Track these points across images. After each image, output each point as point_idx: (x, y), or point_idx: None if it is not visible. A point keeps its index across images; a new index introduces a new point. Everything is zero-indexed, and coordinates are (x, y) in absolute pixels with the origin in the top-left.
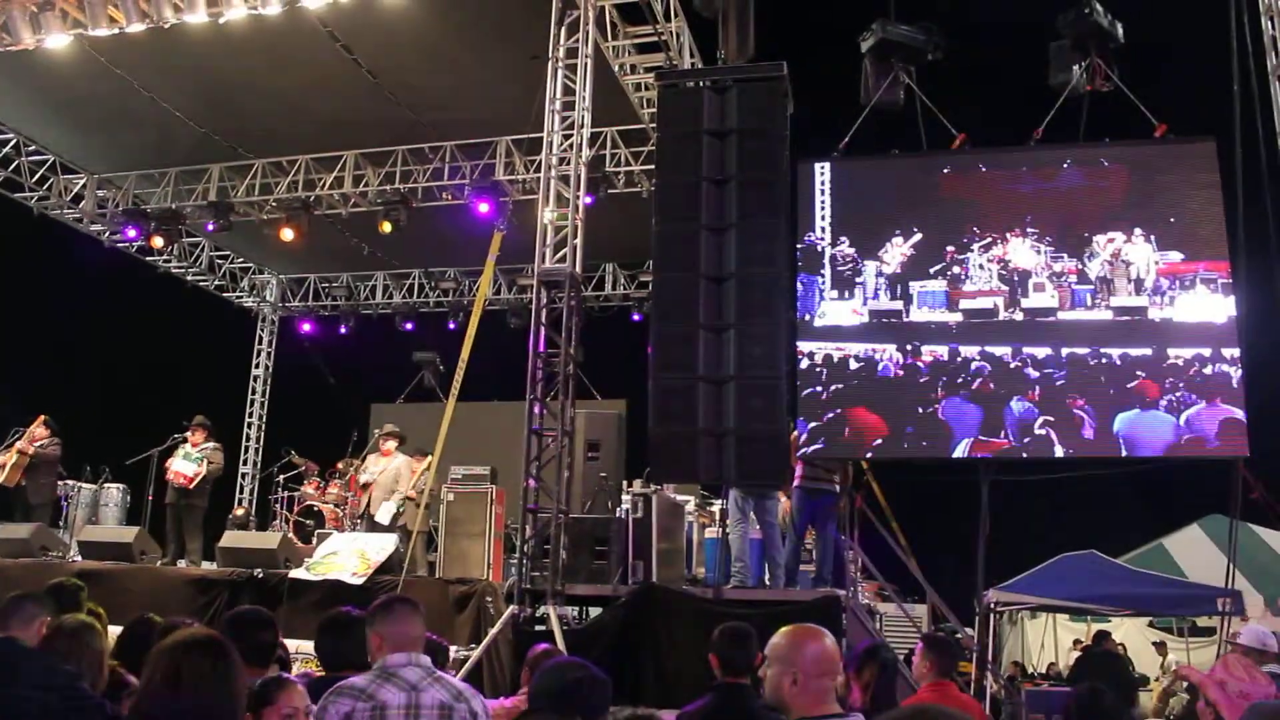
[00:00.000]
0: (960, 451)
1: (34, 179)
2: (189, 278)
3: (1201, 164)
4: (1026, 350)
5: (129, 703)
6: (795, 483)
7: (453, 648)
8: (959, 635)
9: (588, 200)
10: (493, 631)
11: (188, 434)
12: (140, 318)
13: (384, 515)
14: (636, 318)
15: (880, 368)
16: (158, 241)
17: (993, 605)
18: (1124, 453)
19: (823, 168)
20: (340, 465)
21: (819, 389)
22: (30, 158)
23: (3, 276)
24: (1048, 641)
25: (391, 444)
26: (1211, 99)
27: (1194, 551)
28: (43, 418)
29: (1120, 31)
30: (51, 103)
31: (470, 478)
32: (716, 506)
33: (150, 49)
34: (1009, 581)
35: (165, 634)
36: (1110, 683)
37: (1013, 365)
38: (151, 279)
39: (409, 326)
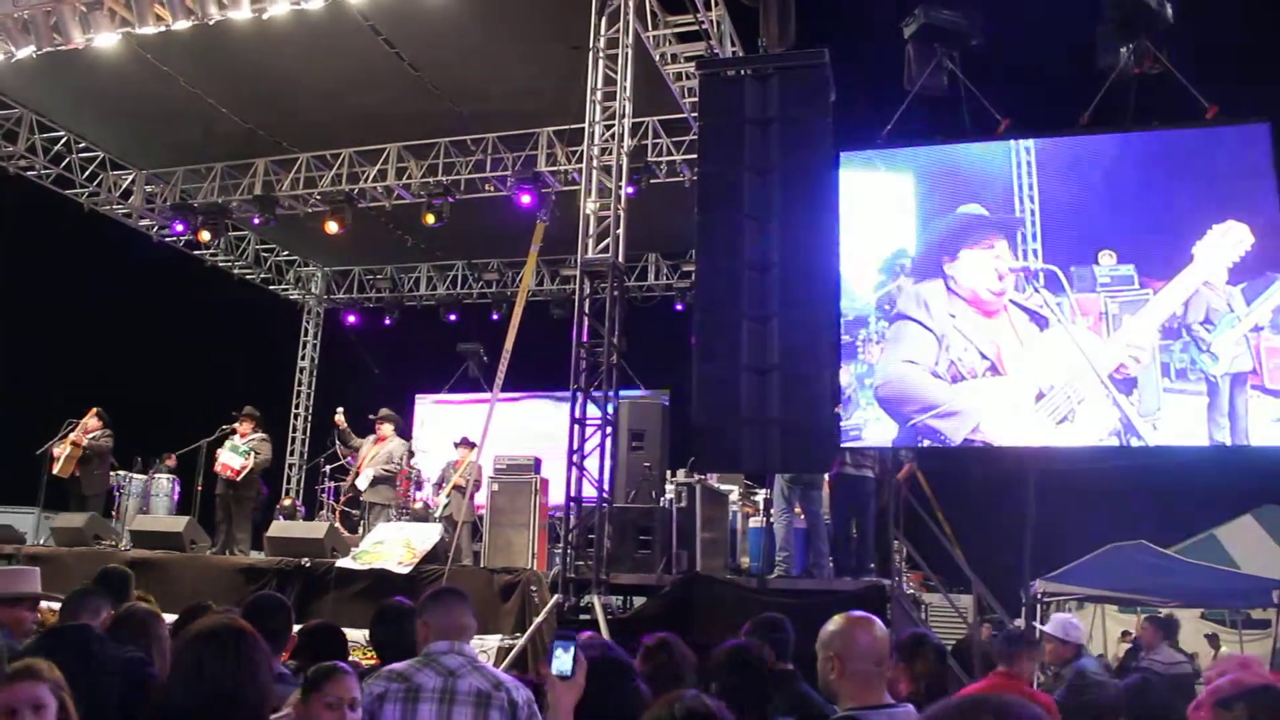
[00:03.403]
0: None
1: (84, 175)
2: (236, 271)
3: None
4: None
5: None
6: (835, 470)
7: (497, 636)
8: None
9: (629, 190)
10: (537, 620)
11: (236, 425)
12: (188, 311)
13: (363, 481)
14: (679, 307)
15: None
16: (205, 235)
17: (1040, 596)
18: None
19: None
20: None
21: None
22: (80, 155)
23: (55, 272)
24: (1096, 633)
25: (387, 428)
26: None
27: (1247, 542)
28: (95, 410)
29: (1170, 12)
30: (100, 101)
31: (515, 467)
32: (760, 496)
33: (195, 46)
34: (1057, 572)
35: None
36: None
37: None
38: (199, 272)
39: (453, 318)
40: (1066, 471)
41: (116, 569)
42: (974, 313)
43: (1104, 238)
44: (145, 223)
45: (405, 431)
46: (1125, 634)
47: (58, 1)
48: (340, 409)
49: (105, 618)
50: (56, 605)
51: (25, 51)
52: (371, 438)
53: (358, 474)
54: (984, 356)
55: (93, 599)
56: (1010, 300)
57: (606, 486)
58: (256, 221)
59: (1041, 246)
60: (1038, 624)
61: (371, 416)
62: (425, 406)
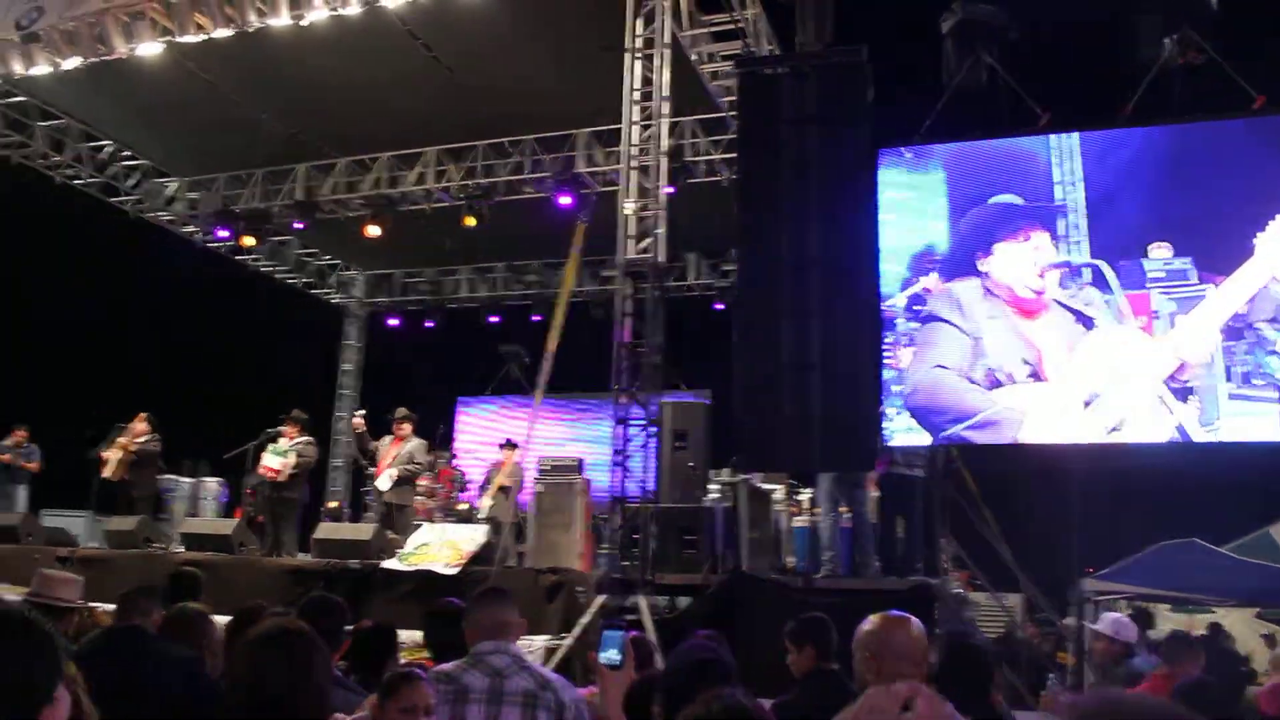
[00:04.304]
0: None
1: (129, 183)
2: (278, 276)
3: None
4: None
5: None
6: (884, 469)
7: (543, 637)
8: (1056, 625)
9: (669, 190)
10: (583, 620)
11: (281, 429)
12: (233, 315)
13: (384, 482)
14: (719, 306)
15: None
16: (248, 241)
17: (1089, 595)
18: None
19: None
20: (430, 457)
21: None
22: (124, 163)
23: (102, 279)
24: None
25: (407, 428)
26: None
27: None
28: (143, 415)
29: (1213, 1)
30: (143, 110)
31: (559, 468)
32: (805, 495)
33: (235, 53)
34: (1106, 570)
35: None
36: (1216, 676)
37: None
38: (243, 278)
39: (494, 320)
40: (1114, 469)
41: (188, 571)
42: (1013, 313)
43: (1155, 229)
44: (189, 229)
45: (448, 434)
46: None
47: (102, 12)
48: (361, 411)
49: (157, 618)
50: (105, 606)
51: (71, 62)
52: (389, 438)
53: (377, 475)
54: (1024, 361)
55: (145, 600)
56: (1052, 299)
57: (652, 486)
58: (298, 226)
59: (1086, 238)
60: (1088, 623)
61: (389, 417)
62: (467, 409)
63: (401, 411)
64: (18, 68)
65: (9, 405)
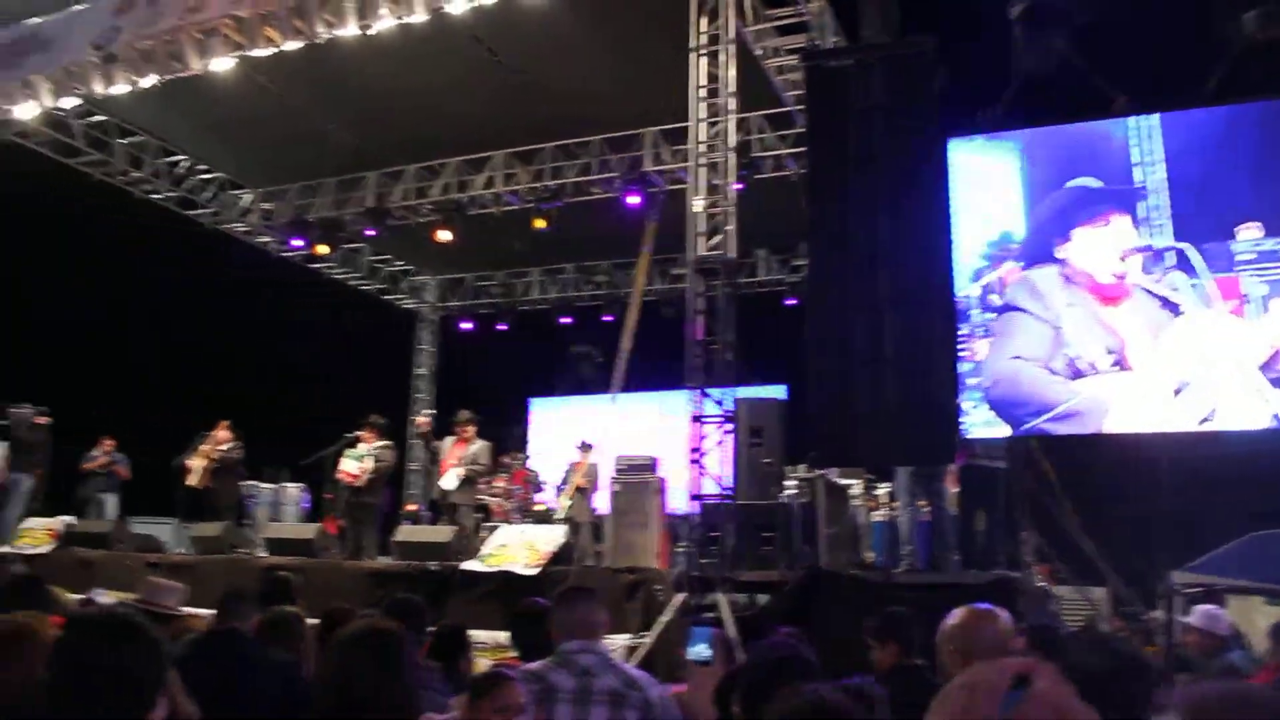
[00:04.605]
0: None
1: (204, 196)
2: (351, 283)
3: None
4: None
5: None
6: (964, 461)
7: (624, 636)
8: (1143, 618)
9: (737, 186)
10: (663, 619)
11: (359, 434)
12: (307, 323)
13: (449, 482)
14: (789, 301)
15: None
16: (322, 249)
17: (1177, 587)
18: None
19: None
20: (505, 459)
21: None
22: (200, 176)
23: (181, 291)
24: (1243, 628)
25: (471, 430)
26: None
27: None
28: (225, 422)
29: None
30: (216, 124)
31: (634, 467)
32: (882, 489)
33: (302, 66)
34: (1195, 562)
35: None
36: None
37: None
38: (317, 285)
39: (565, 321)
40: (1204, 458)
41: (281, 575)
42: (1093, 300)
43: (1244, 209)
44: (263, 239)
45: (523, 436)
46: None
47: (177, 30)
48: (428, 413)
49: (254, 622)
50: (199, 611)
51: (148, 80)
52: (451, 439)
53: (440, 475)
54: (1108, 350)
55: (242, 604)
56: (1135, 285)
57: (730, 483)
58: (370, 233)
59: (1168, 221)
60: (1179, 616)
61: (454, 419)
62: (540, 410)
63: (466, 414)
64: (98, 87)
65: (97, 416)
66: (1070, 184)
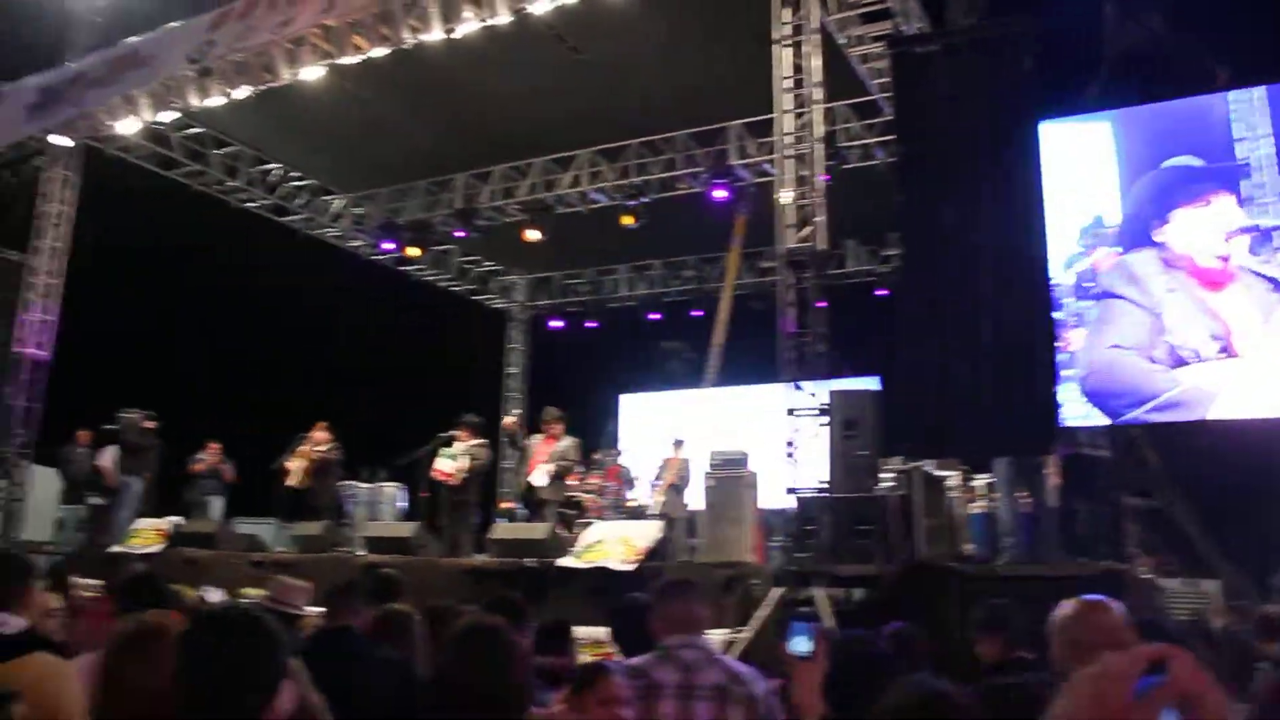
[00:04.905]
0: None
1: (297, 203)
2: (441, 283)
3: None
4: None
5: None
6: (1068, 451)
7: (721, 631)
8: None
9: (824, 177)
10: (760, 614)
11: (455, 433)
12: (401, 324)
13: (539, 478)
14: (881, 292)
15: None
16: (413, 251)
17: None
18: None
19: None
20: (598, 455)
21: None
22: (292, 184)
23: (277, 295)
24: None
25: (559, 427)
26: None
27: None
28: (323, 424)
29: None
30: (307, 131)
31: (728, 462)
32: (980, 481)
33: (388, 72)
34: None
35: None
36: None
37: None
38: (409, 288)
39: (654, 317)
40: None
41: (387, 573)
42: (1196, 285)
43: None
44: (355, 243)
45: (613, 432)
46: None
47: (267, 43)
48: (514, 413)
49: (366, 619)
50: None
51: (241, 91)
52: (540, 437)
53: (528, 472)
54: (1213, 336)
55: (355, 601)
56: (1241, 267)
57: (824, 476)
58: (460, 234)
59: (1276, 199)
60: None
61: (542, 417)
62: (631, 406)
63: (553, 412)
64: (194, 100)
65: (203, 420)
66: (1167, 163)
